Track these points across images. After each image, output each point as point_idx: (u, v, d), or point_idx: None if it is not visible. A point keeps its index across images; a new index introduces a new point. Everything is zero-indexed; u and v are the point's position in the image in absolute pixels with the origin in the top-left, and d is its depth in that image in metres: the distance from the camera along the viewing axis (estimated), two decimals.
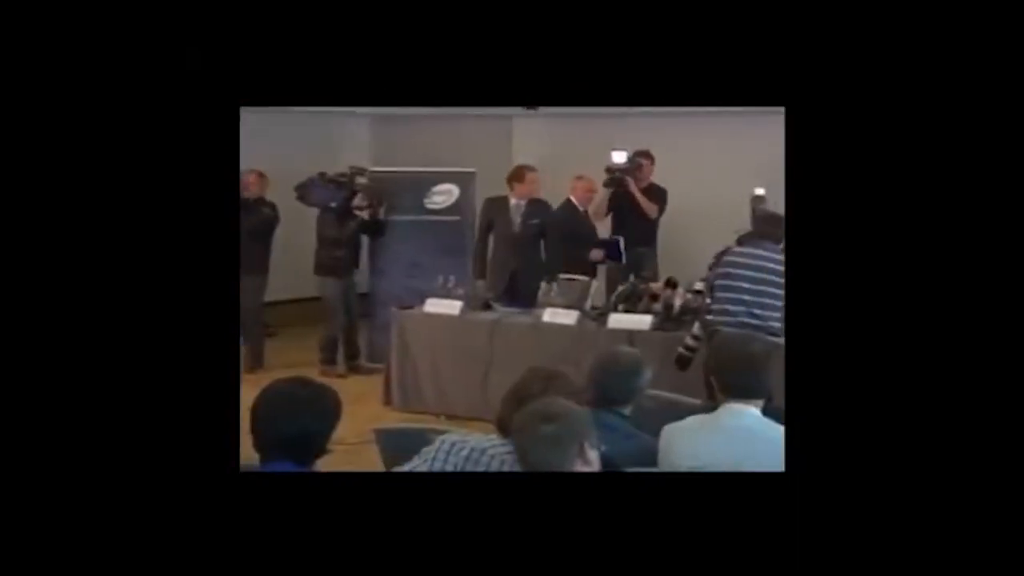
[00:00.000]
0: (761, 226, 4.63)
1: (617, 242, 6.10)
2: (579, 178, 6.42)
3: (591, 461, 2.22)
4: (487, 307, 5.94)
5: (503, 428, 2.53)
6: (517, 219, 6.31)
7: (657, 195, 6.34)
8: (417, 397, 5.88)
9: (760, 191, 5.66)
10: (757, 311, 4.37)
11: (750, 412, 2.80)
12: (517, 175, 6.36)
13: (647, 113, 6.37)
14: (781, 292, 4.38)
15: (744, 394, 2.81)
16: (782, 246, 4.48)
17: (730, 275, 4.49)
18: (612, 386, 2.96)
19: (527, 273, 6.17)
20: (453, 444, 2.53)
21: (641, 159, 6.30)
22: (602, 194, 6.34)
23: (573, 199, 6.38)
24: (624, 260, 6.06)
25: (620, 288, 5.55)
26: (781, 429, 2.78)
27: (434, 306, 5.91)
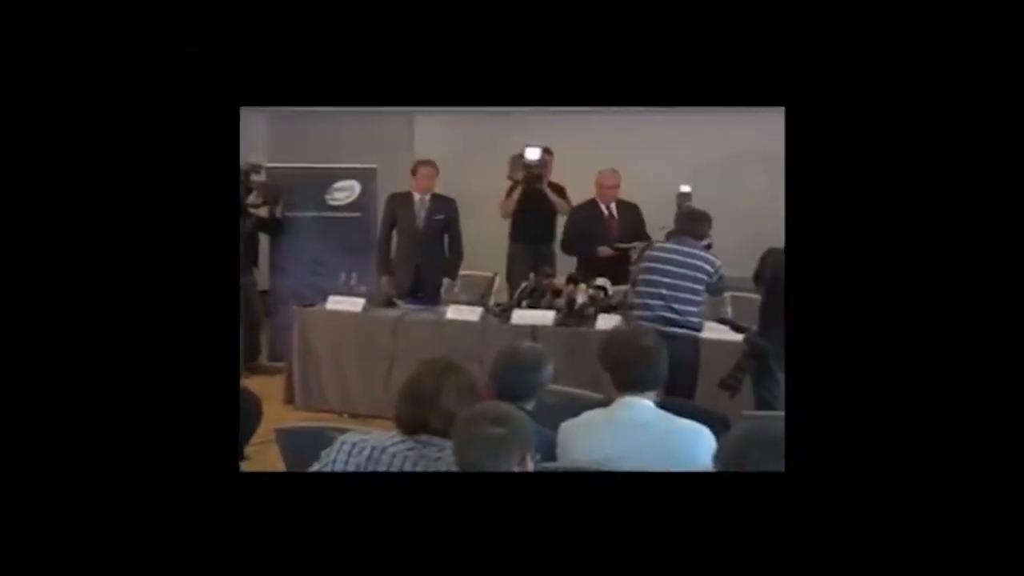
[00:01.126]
0: (684, 223, 4.74)
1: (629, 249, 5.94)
2: (606, 173, 6.17)
3: (528, 470, 2.25)
4: (390, 304, 5.91)
5: (402, 425, 2.53)
6: (421, 215, 6.28)
7: (560, 192, 6.39)
8: (320, 396, 5.82)
9: (686, 188, 5.76)
10: (676, 306, 4.47)
11: (644, 404, 2.86)
12: (412, 170, 6.34)
13: (551, 111, 6.40)
14: (701, 288, 4.52)
15: (637, 387, 2.87)
16: (706, 243, 4.59)
17: (651, 270, 4.58)
18: (514, 381, 2.97)
19: (430, 269, 6.15)
20: (353, 445, 2.52)
21: (546, 156, 6.32)
22: (515, 192, 6.33)
23: (597, 199, 6.19)
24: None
25: (523, 284, 5.59)
26: (675, 420, 2.85)
27: (336, 303, 5.85)
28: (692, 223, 4.67)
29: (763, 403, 4.31)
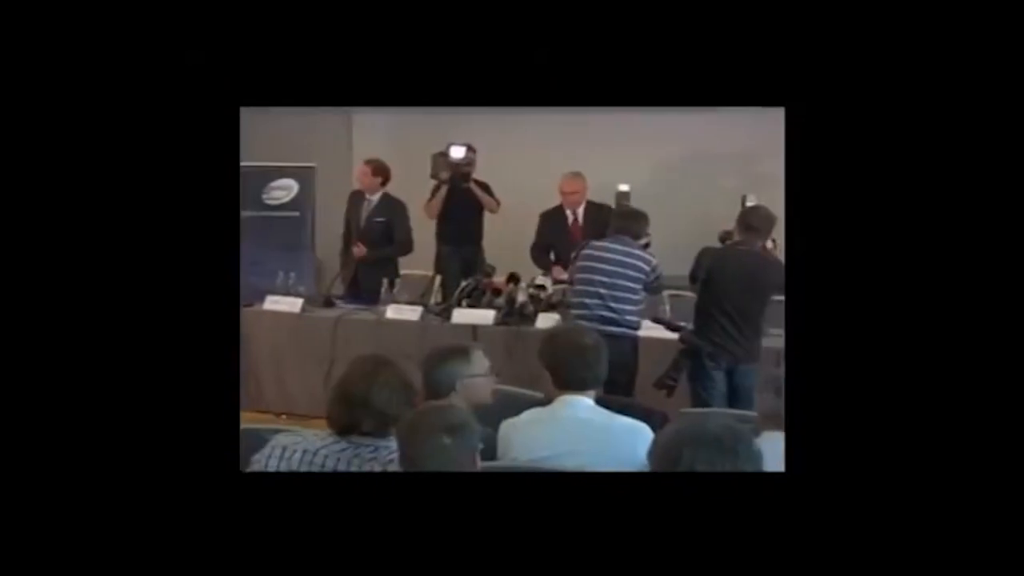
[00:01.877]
0: (620, 222, 4.77)
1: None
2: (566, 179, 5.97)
3: (476, 469, 2.24)
4: (329, 304, 5.87)
5: (334, 425, 2.50)
6: (364, 215, 6.22)
7: (486, 189, 6.30)
8: (258, 396, 5.75)
9: (624, 187, 5.79)
10: (613, 304, 4.51)
11: (584, 403, 2.89)
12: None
13: (487, 110, 6.37)
14: (638, 286, 4.55)
15: (578, 386, 2.89)
16: (644, 241, 4.63)
17: (587, 269, 4.60)
18: (443, 380, 2.95)
19: (369, 270, 6.11)
20: (284, 448, 2.50)
21: (471, 153, 6.22)
22: (441, 191, 6.28)
23: (563, 206, 6.00)
24: None
25: (463, 284, 5.58)
26: (616, 418, 2.88)
27: (274, 303, 5.80)
28: (628, 222, 4.71)
29: (699, 401, 4.37)
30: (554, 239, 5.95)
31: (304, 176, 6.91)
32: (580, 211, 5.97)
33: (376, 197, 6.19)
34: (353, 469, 2.42)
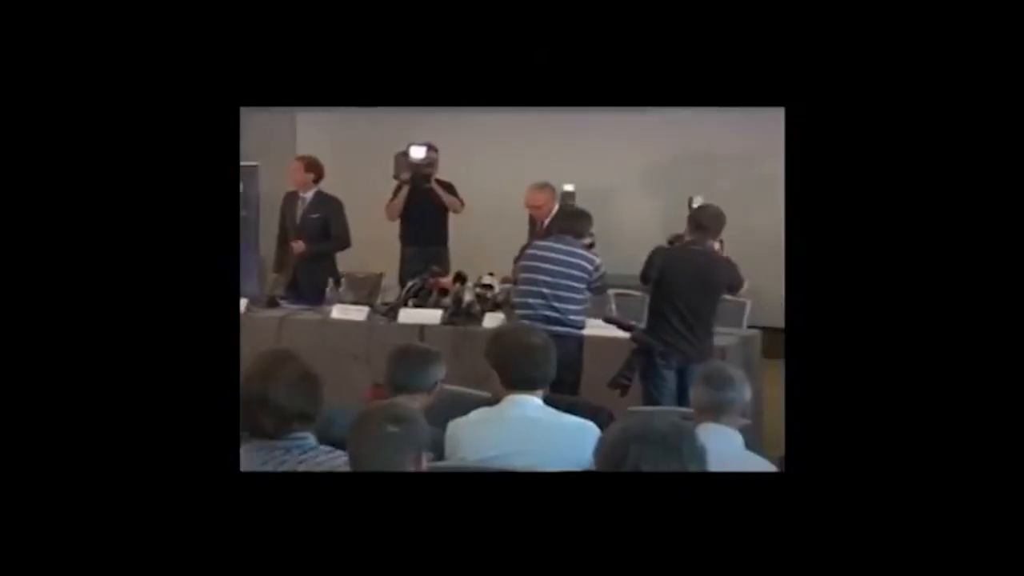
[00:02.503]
0: (563, 221, 4.80)
1: None
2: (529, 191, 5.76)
3: (422, 469, 2.22)
4: (273, 304, 5.80)
5: (244, 428, 2.39)
6: (299, 213, 6.13)
7: (449, 189, 6.26)
8: None
9: (569, 187, 5.80)
10: (556, 304, 4.51)
11: (532, 402, 2.89)
12: None
13: (435, 110, 6.34)
14: (582, 286, 4.56)
15: (526, 385, 2.89)
16: (587, 241, 4.64)
17: (530, 268, 4.61)
18: (409, 379, 2.95)
19: (308, 268, 6.03)
20: None
21: (432, 153, 6.20)
22: (402, 192, 6.21)
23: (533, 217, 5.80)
24: None
25: (410, 283, 5.55)
26: (563, 416, 2.88)
27: None
28: (571, 221, 4.75)
29: (650, 399, 4.40)
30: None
31: (247, 175, 6.83)
32: (547, 222, 5.69)
33: (310, 194, 6.09)
34: (268, 470, 2.35)
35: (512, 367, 2.94)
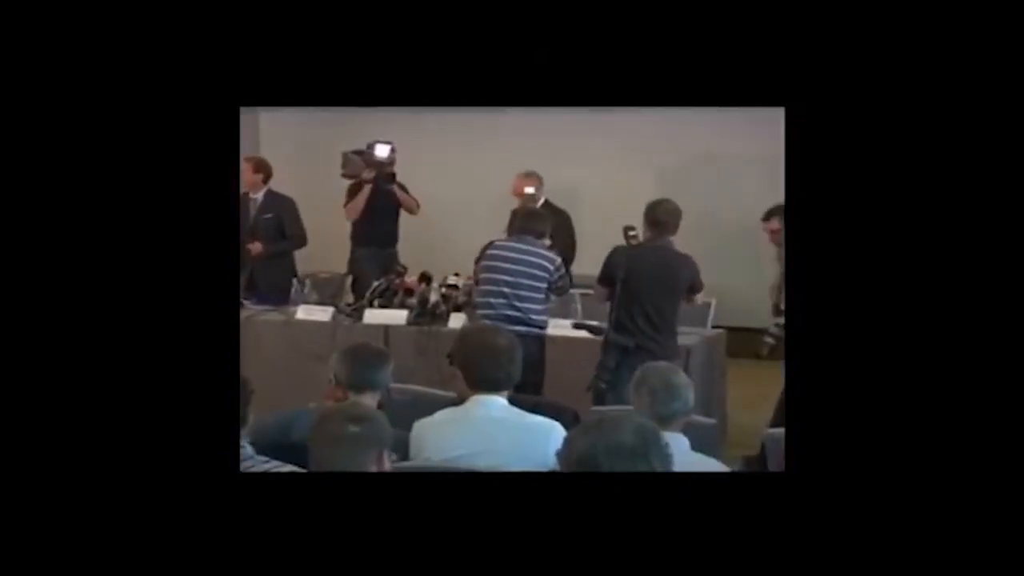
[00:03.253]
0: (523, 221, 4.80)
1: None
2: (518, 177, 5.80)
3: (385, 469, 2.22)
4: None
5: None
6: (251, 214, 5.99)
7: (405, 190, 6.20)
8: None
9: (530, 189, 5.80)
10: (517, 303, 4.51)
11: (497, 402, 2.89)
12: None
13: (400, 108, 6.32)
14: (543, 285, 4.55)
15: (491, 386, 2.89)
16: (545, 242, 4.65)
17: (491, 268, 4.60)
18: (364, 378, 2.94)
19: (266, 269, 5.93)
20: None
21: (393, 153, 6.11)
22: (363, 192, 6.12)
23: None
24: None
25: (375, 284, 5.53)
26: (528, 416, 2.89)
27: None
28: (532, 222, 4.75)
29: (618, 399, 4.40)
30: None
31: None
32: None
33: (260, 195, 6.01)
34: None
35: (476, 368, 2.93)
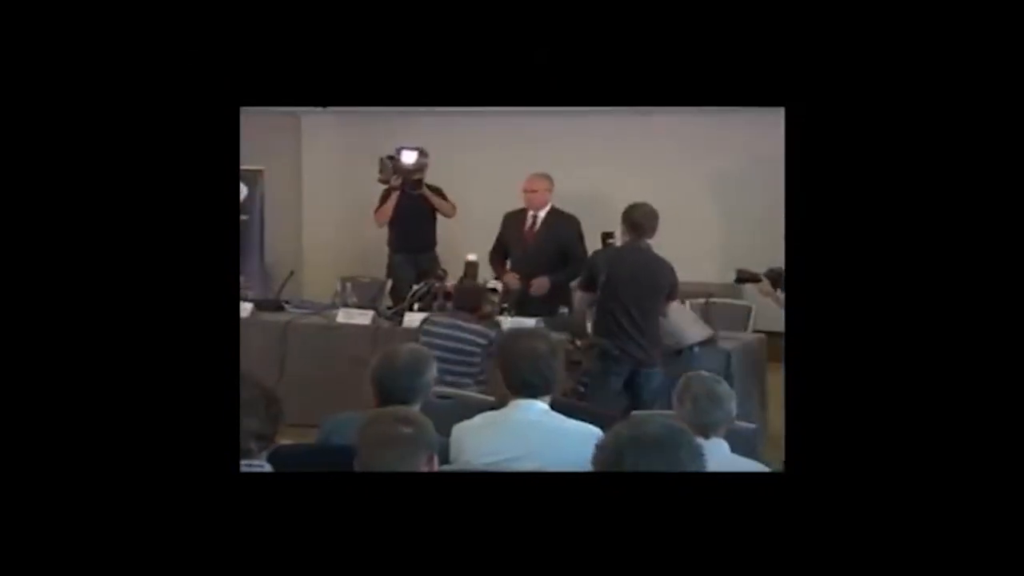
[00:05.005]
0: (457, 299, 4.92)
1: None
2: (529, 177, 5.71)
3: (434, 471, 2.23)
4: (278, 308, 5.81)
5: None
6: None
7: (440, 193, 6.17)
8: None
9: (472, 257, 5.76)
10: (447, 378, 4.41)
11: (537, 406, 2.89)
12: None
13: (442, 110, 6.29)
14: (475, 360, 4.50)
15: (531, 390, 2.90)
16: (486, 310, 4.74)
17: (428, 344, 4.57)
18: (394, 386, 2.93)
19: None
20: None
21: (423, 158, 6.07)
22: (392, 197, 6.13)
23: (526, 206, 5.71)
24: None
25: (415, 288, 5.56)
26: (568, 422, 2.89)
27: None
28: (465, 298, 4.81)
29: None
30: (511, 242, 5.78)
31: (252, 179, 6.83)
32: (542, 215, 5.68)
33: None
34: None
35: (516, 371, 2.94)
